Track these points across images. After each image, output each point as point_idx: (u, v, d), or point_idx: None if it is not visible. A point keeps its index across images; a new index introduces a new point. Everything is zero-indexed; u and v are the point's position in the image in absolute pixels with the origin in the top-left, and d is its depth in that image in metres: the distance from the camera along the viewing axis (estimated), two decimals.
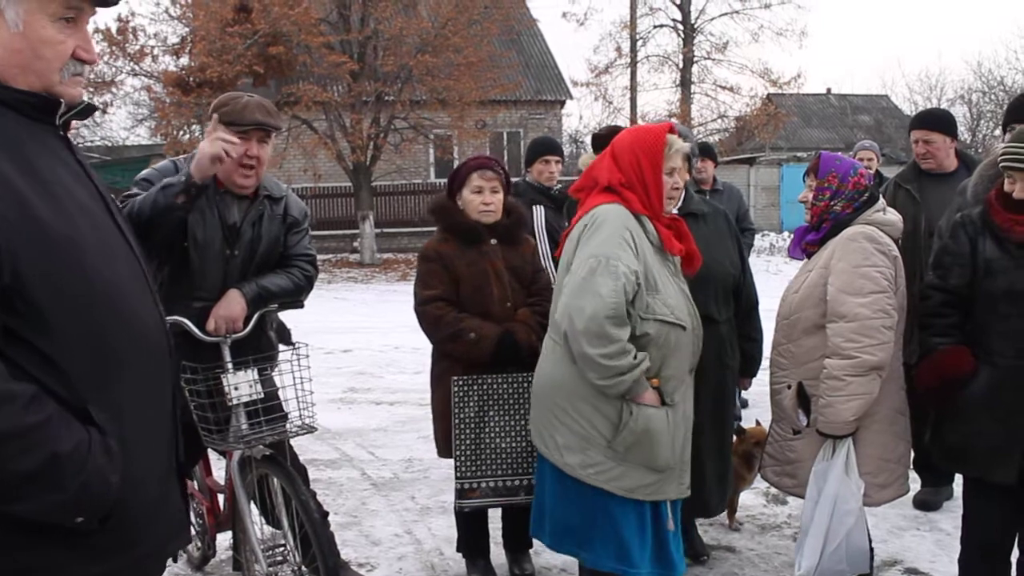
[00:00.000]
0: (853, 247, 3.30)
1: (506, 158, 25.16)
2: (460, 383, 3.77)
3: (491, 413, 3.78)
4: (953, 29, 71.93)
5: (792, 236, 3.68)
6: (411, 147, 23.12)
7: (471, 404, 3.76)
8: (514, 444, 3.80)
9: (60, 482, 1.65)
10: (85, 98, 1.92)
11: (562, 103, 29.65)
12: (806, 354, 3.41)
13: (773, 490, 5.00)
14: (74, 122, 1.95)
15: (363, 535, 4.79)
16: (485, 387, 3.79)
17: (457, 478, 3.78)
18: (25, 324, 1.65)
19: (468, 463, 3.76)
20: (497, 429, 3.79)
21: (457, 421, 3.76)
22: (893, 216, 3.47)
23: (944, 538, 4.63)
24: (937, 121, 5.00)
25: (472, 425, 3.76)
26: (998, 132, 33.74)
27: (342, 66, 20.12)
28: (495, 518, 4.28)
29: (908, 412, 3.50)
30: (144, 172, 3.50)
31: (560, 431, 3.25)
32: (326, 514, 3.62)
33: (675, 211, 3.41)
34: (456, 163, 26.20)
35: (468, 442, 3.76)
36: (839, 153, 3.74)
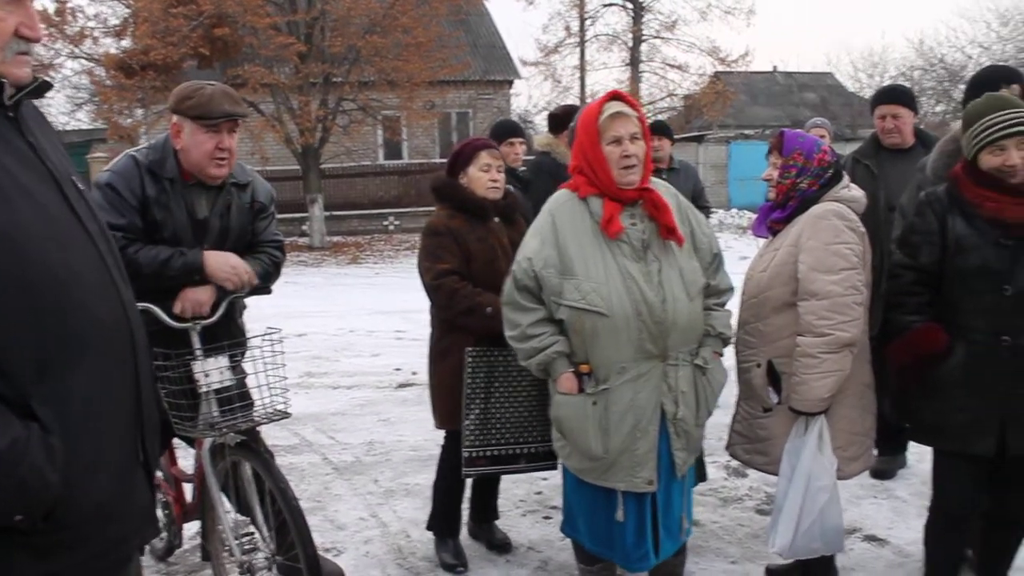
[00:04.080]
0: (823, 225, 3.30)
1: (455, 139, 25.02)
2: (474, 354, 3.82)
3: (496, 384, 3.85)
4: (896, 8, 72.98)
5: (756, 214, 3.67)
6: (360, 129, 22.90)
7: (481, 375, 3.82)
8: (516, 414, 3.88)
9: None
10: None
11: (510, 83, 29.53)
12: (775, 332, 3.40)
13: (734, 463, 5.06)
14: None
15: (328, 520, 4.77)
16: (495, 359, 3.85)
17: (465, 447, 3.83)
18: None
19: (476, 432, 3.83)
20: (501, 400, 3.87)
21: (468, 391, 3.81)
22: (858, 192, 3.48)
23: (900, 505, 4.74)
24: (903, 95, 5.08)
25: (481, 395, 3.82)
26: (939, 108, 34.39)
27: (289, 48, 19.81)
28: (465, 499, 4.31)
29: (874, 384, 3.52)
30: (105, 176, 3.33)
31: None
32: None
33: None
34: (405, 145, 26.09)
35: (477, 411, 3.82)
36: (800, 130, 3.75)
